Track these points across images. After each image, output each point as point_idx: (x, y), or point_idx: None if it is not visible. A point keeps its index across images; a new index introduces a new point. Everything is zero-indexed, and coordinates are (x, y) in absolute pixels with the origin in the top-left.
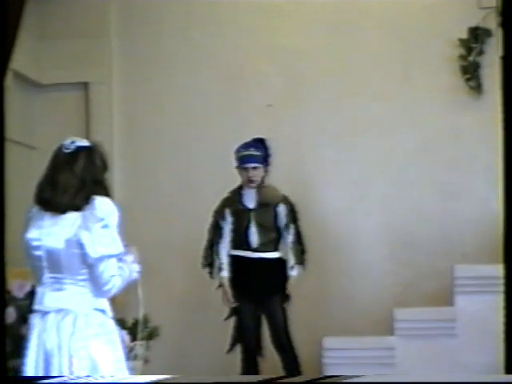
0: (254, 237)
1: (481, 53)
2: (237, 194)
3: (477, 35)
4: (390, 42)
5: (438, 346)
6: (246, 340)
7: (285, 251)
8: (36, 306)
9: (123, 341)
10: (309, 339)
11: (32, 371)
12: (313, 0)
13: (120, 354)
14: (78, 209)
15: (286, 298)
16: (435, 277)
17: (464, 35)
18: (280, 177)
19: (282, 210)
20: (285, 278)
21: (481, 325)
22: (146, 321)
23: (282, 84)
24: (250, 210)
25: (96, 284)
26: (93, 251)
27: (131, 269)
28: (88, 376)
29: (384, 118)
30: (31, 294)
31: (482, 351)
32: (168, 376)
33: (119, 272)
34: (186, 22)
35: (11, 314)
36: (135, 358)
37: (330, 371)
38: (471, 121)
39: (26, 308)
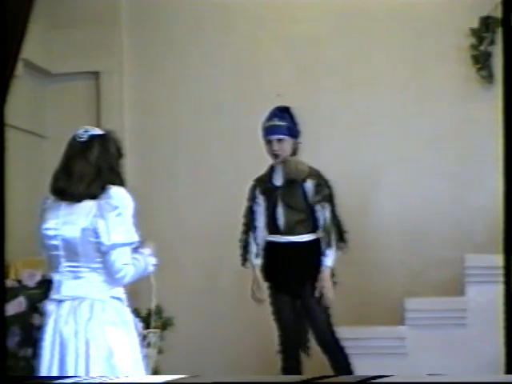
0: (281, 218)
1: (492, 42)
2: (268, 171)
3: (488, 25)
4: (401, 31)
5: (448, 336)
6: (285, 336)
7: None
8: (53, 295)
9: (137, 328)
10: None
11: (47, 358)
12: None
13: (136, 341)
14: (93, 197)
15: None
16: (446, 266)
17: (475, 25)
18: None
19: (309, 186)
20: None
21: (491, 315)
22: (159, 311)
23: (292, 74)
24: (278, 188)
25: (109, 272)
26: (106, 239)
27: (147, 261)
28: (102, 376)
29: (395, 107)
30: (42, 283)
31: (493, 341)
32: (183, 376)
33: (133, 261)
34: (198, 11)
35: (21, 303)
36: (148, 345)
37: None
38: (483, 110)
39: (37, 297)
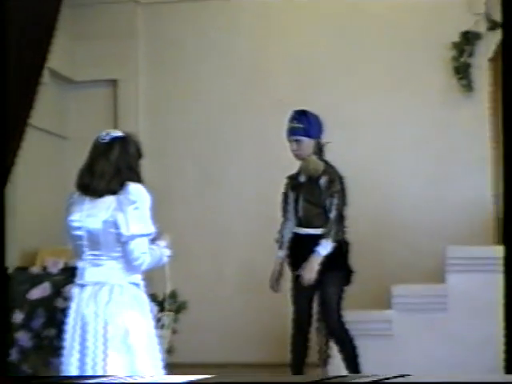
0: (301, 212)
1: (471, 54)
2: (299, 169)
3: (468, 38)
4: (390, 44)
5: (430, 319)
6: (298, 321)
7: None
8: (77, 281)
9: (152, 311)
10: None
11: (70, 337)
12: (321, 6)
13: (151, 323)
14: (113, 193)
15: (345, 279)
16: (429, 257)
17: (456, 38)
18: (288, 166)
19: (323, 182)
20: (340, 256)
21: (470, 300)
22: (174, 295)
23: (292, 81)
24: (301, 184)
25: (128, 260)
26: (125, 230)
27: (162, 252)
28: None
29: (384, 113)
30: (65, 270)
31: (470, 324)
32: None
33: (150, 251)
34: (207, 25)
35: (46, 288)
36: (162, 327)
37: (331, 343)
38: (463, 116)
39: (60, 282)
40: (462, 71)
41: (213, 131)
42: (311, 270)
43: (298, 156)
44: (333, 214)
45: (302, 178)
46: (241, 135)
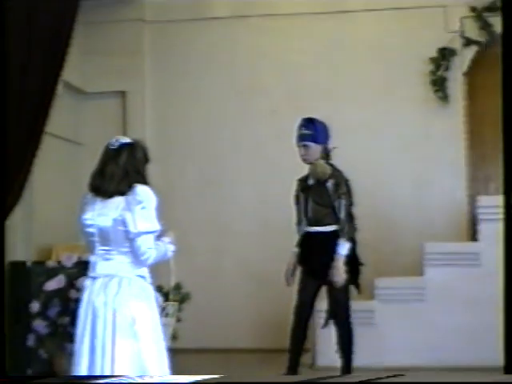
0: (310, 212)
1: (447, 69)
2: (308, 172)
3: (444, 54)
4: (374, 60)
5: (410, 309)
6: (300, 309)
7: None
8: (90, 273)
9: (157, 301)
10: None
11: (82, 324)
12: (311, 27)
13: (156, 312)
14: (122, 194)
15: (354, 273)
16: (409, 252)
17: (434, 54)
18: (284, 168)
19: (330, 185)
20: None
21: (445, 292)
22: (178, 287)
23: (284, 94)
24: (310, 186)
25: (135, 255)
26: (133, 228)
27: (167, 248)
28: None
29: (369, 122)
30: (78, 264)
31: (446, 313)
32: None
33: (155, 246)
34: (208, 42)
35: (61, 280)
36: (167, 315)
37: (320, 330)
38: (439, 125)
39: (74, 275)
40: (439, 84)
41: (213, 137)
42: (339, 274)
43: (306, 160)
44: (342, 215)
45: (311, 181)
46: (238, 141)
